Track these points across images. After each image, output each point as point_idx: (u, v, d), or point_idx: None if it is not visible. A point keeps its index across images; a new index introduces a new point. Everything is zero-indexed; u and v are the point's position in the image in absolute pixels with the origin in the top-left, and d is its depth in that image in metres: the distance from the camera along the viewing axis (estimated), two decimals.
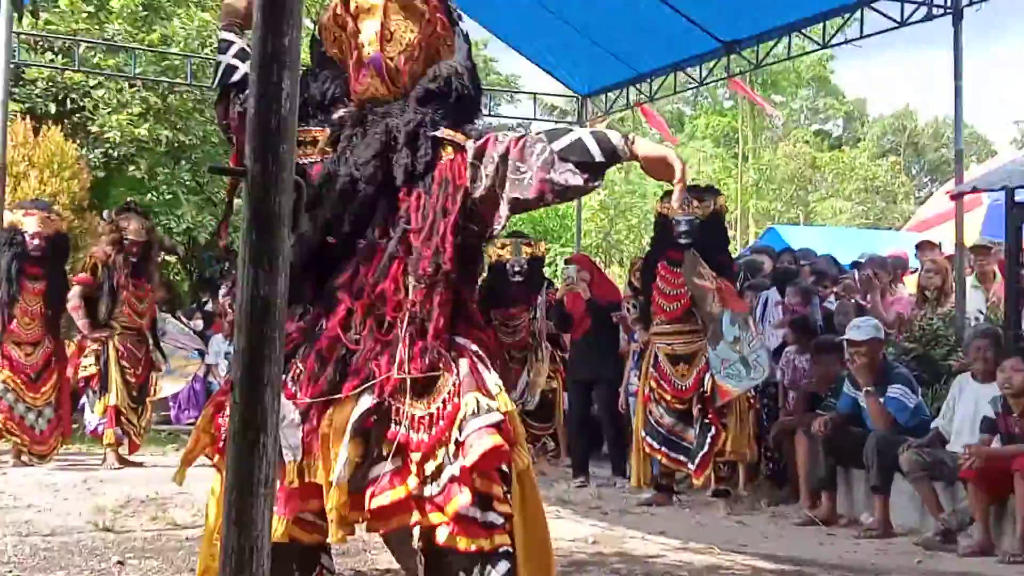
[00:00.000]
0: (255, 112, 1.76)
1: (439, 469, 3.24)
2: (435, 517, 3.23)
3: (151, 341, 10.26)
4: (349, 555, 5.99)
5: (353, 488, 3.27)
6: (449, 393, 3.29)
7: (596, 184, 3.43)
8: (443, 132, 3.48)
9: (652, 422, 8.43)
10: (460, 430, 3.21)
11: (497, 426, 3.22)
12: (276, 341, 1.79)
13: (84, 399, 10.36)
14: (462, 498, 3.18)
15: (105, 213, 10.22)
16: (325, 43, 3.71)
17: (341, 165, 3.48)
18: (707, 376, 8.16)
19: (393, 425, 3.30)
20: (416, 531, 3.37)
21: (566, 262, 10.19)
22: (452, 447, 3.22)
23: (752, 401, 8.56)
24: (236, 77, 3.66)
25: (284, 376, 3.25)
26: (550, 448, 11.28)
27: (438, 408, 3.29)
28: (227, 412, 3.54)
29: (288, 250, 1.79)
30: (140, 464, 10.10)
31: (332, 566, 3.79)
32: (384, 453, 3.29)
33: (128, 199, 12.61)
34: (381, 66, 3.55)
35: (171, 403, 13.32)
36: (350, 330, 3.40)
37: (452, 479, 3.20)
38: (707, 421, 8.17)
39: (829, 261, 11.89)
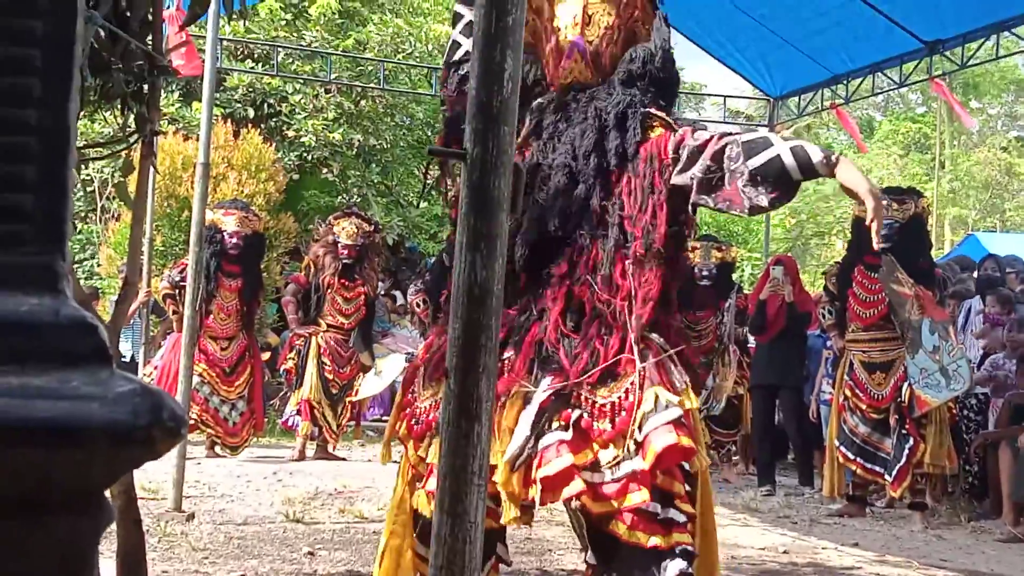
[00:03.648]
0: (476, 92, 1.72)
1: (616, 461, 3.17)
2: (607, 505, 3.17)
3: (361, 342, 10.49)
4: (535, 554, 5.98)
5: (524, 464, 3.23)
6: (632, 383, 3.22)
7: (786, 201, 3.27)
8: (654, 109, 3.42)
9: (846, 431, 8.20)
10: (640, 427, 3.15)
11: (678, 422, 3.15)
12: (492, 328, 1.74)
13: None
14: (636, 496, 3.11)
15: (331, 217, 10.60)
16: None
17: (550, 153, 3.44)
18: (905, 385, 7.89)
19: (571, 408, 3.24)
20: (575, 503, 3.25)
21: (773, 263, 9.97)
22: (631, 443, 3.16)
23: (953, 412, 8.22)
24: (458, 55, 3.63)
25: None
26: (735, 455, 11.08)
27: (619, 397, 3.23)
28: (414, 389, 3.56)
29: (506, 235, 1.74)
30: (343, 459, 10.33)
31: (507, 557, 3.76)
32: (554, 428, 3.23)
33: (350, 205, 12.97)
34: (585, 50, 3.51)
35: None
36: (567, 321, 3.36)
37: (631, 476, 3.14)
38: (904, 432, 7.89)
39: None
